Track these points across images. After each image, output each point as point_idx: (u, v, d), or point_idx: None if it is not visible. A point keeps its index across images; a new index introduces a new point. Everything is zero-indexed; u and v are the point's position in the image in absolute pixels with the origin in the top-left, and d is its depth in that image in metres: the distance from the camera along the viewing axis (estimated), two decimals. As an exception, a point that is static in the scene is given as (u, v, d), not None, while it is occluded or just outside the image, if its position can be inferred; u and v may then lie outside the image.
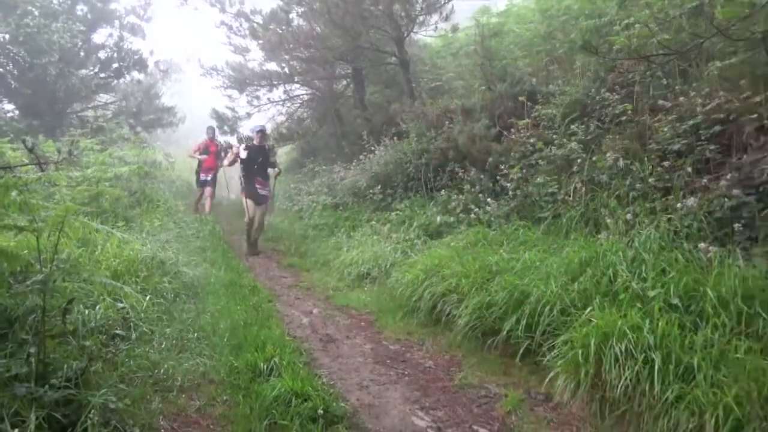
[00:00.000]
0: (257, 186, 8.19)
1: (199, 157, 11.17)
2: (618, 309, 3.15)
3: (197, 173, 11.32)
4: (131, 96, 16.00)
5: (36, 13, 11.55)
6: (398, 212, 7.14)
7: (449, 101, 8.06)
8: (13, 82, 12.59)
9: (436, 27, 10.15)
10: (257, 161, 8.21)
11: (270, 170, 8.63)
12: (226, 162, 9.33)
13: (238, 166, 8.57)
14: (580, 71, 6.12)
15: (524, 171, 5.71)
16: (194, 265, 5.76)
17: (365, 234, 7.25)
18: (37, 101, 12.39)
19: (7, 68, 12.57)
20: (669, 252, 3.52)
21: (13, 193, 2.91)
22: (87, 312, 3.37)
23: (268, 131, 13.95)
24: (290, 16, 11.64)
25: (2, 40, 11.95)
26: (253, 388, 3.24)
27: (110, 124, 13.99)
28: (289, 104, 14.87)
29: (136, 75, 15.37)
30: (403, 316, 4.85)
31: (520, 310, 3.71)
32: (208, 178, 11.26)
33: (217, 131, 12.60)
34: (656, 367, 2.68)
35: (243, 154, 8.20)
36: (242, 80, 13.20)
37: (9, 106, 13.26)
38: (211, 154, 11.26)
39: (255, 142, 8.35)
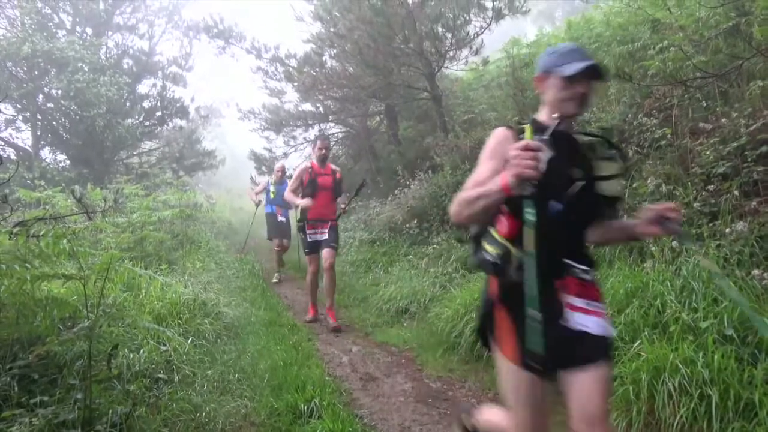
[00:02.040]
0: (573, 305, 1.94)
1: (302, 202, 5.98)
2: (669, 342, 3.01)
3: (302, 229, 6.15)
4: (174, 142, 16.67)
5: (86, 68, 12.26)
6: (435, 246, 7.09)
7: (483, 133, 8.06)
8: (64, 134, 13.30)
9: (467, 61, 10.25)
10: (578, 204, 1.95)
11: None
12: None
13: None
14: (615, 97, 6.04)
15: (562, 200, 5.60)
16: (235, 305, 5.83)
17: (403, 269, 7.21)
18: (86, 151, 13.04)
19: (60, 121, 13.32)
20: (720, 280, 3.35)
21: (63, 242, 3.04)
22: (131, 356, 3.44)
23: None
24: (323, 58, 11.98)
25: (56, 95, 12.71)
26: (294, 431, 3.21)
27: (154, 170, 14.59)
28: (324, 143, 15.13)
29: (179, 122, 16.02)
30: (444, 353, 4.76)
31: (564, 345, 3.58)
32: (324, 237, 6.03)
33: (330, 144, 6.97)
34: (713, 404, 2.53)
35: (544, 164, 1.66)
36: (279, 122, 13.57)
37: (61, 157, 14.01)
38: (325, 190, 6.06)
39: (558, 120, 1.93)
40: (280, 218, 9.30)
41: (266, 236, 9.59)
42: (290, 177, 8.08)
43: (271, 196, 9.30)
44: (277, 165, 9.74)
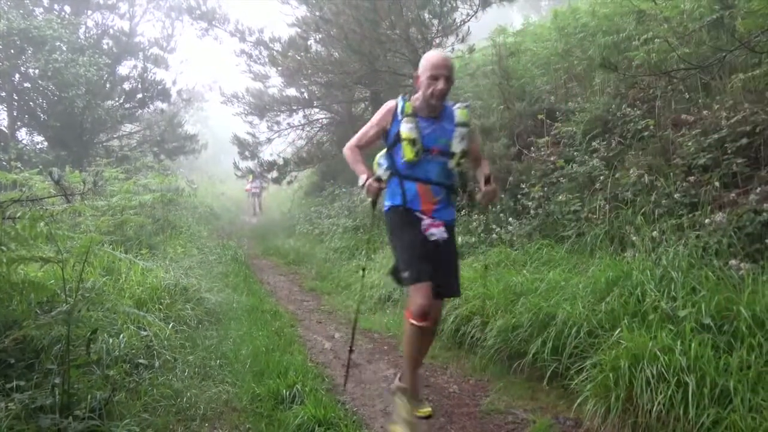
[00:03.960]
0: None
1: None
2: (648, 330, 3.05)
3: None
4: (155, 125, 16.40)
5: (64, 48, 11.97)
6: (419, 234, 7.08)
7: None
8: (42, 115, 13.01)
9: (453, 48, 10.20)
10: None
11: None
12: None
13: None
14: (600, 88, 6.07)
15: (545, 189, 5.64)
16: (217, 290, 5.79)
17: (386, 256, 7.21)
18: (65, 133, 12.76)
19: (37, 102, 13.01)
20: (698, 270, 3.41)
21: (40, 225, 2.98)
22: (111, 341, 3.39)
23: (288, 156, 14.05)
24: (308, 42, 11.85)
25: (33, 75, 12.40)
26: (276, 416, 3.20)
27: (135, 153, 14.35)
28: (308, 128, 15.06)
29: (160, 104, 15.76)
30: (427, 340, 4.77)
31: (545, 333, 3.63)
32: None
33: None
34: (690, 391, 2.57)
35: None
36: (262, 106, 13.43)
37: (38, 138, 13.69)
38: None
39: None
40: (432, 229, 2.96)
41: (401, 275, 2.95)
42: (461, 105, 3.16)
43: (405, 157, 2.97)
44: (433, 54, 3.03)
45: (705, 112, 4.47)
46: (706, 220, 3.74)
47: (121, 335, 3.53)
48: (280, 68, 12.35)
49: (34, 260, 3.03)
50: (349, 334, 5.15)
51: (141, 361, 3.48)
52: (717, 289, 3.13)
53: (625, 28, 6.23)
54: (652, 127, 4.89)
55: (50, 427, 2.39)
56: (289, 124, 14.36)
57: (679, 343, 2.81)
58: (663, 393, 2.65)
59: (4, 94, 12.66)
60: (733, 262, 3.32)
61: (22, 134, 13.61)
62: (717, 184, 3.97)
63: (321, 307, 6.50)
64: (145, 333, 3.76)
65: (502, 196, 6.32)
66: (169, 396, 3.22)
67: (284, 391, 3.43)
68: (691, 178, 4.16)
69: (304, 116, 14.58)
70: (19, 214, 2.98)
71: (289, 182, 13.98)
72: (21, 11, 11.80)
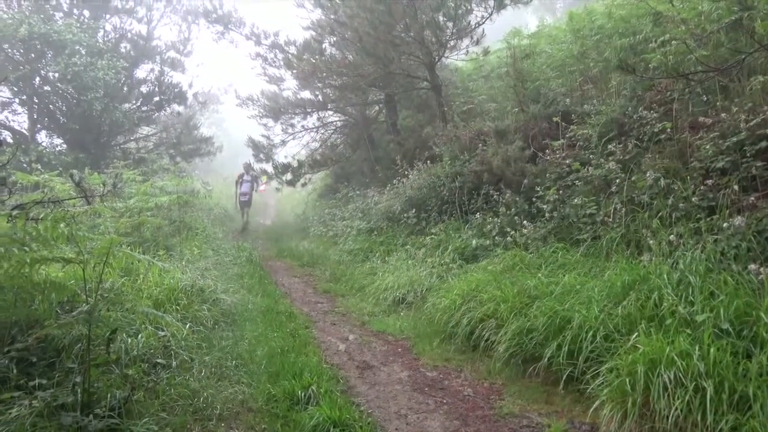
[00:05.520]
0: None
1: None
2: (665, 335, 3.03)
3: None
4: (171, 127, 16.53)
5: (83, 52, 12.13)
6: (433, 236, 7.09)
7: (482, 124, 8.05)
8: (61, 118, 13.20)
9: (467, 51, 10.20)
10: None
11: None
12: None
13: None
14: (616, 90, 6.03)
15: (560, 192, 5.62)
16: (232, 292, 5.84)
17: (400, 258, 7.22)
18: (83, 135, 12.94)
19: (57, 105, 13.20)
20: (717, 274, 3.37)
21: (61, 226, 3.03)
22: (130, 341, 3.44)
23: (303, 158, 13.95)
24: (323, 45, 11.91)
25: (52, 78, 12.58)
26: (292, 417, 3.23)
27: (151, 155, 14.50)
28: (323, 131, 15.10)
29: (176, 107, 15.88)
30: (441, 342, 4.78)
31: (561, 336, 3.61)
32: None
33: None
34: (708, 396, 2.55)
35: None
36: (277, 109, 13.50)
37: (58, 141, 13.90)
38: None
39: None
40: None
41: None
42: None
43: None
44: None
45: (723, 115, 4.43)
46: (725, 224, 3.70)
47: (140, 335, 3.59)
48: (294, 71, 12.41)
49: (55, 260, 3.08)
50: (363, 336, 5.18)
51: (159, 360, 3.53)
52: (736, 294, 3.09)
53: (642, 30, 6.19)
54: (669, 129, 4.85)
55: (71, 424, 2.44)
56: (303, 126, 14.42)
57: (697, 348, 2.79)
58: (680, 398, 2.63)
59: (24, 97, 12.87)
60: (752, 266, 3.28)
61: (42, 137, 13.82)
62: (735, 187, 3.92)
63: (335, 309, 6.52)
64: (162, 333, 3.81)
65: (516, 199, 6.30)
66: (187, 395, 3.26)
67: (299, 392, 3.46)
68: (709, 182, 4.12)
69: (319, 119, 14.63)
70: (41, 216, 3.04)
71: (303, 184, 14.03)
72: (42, 15, 12.00)
